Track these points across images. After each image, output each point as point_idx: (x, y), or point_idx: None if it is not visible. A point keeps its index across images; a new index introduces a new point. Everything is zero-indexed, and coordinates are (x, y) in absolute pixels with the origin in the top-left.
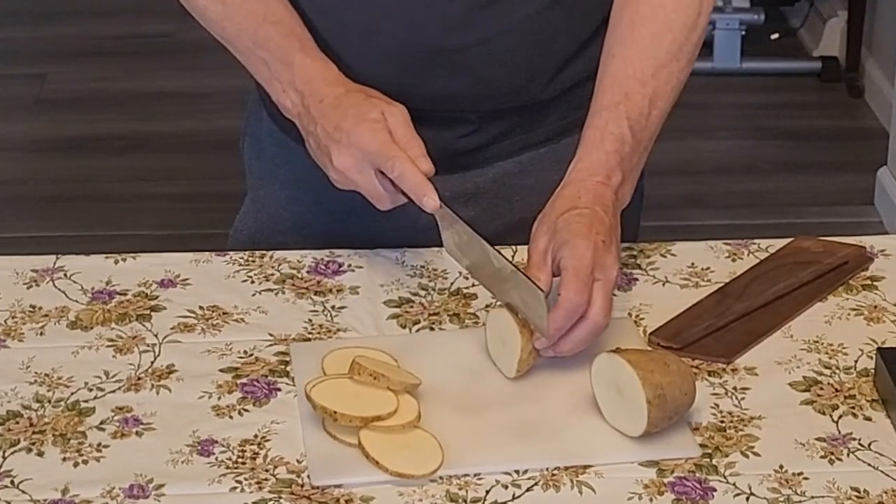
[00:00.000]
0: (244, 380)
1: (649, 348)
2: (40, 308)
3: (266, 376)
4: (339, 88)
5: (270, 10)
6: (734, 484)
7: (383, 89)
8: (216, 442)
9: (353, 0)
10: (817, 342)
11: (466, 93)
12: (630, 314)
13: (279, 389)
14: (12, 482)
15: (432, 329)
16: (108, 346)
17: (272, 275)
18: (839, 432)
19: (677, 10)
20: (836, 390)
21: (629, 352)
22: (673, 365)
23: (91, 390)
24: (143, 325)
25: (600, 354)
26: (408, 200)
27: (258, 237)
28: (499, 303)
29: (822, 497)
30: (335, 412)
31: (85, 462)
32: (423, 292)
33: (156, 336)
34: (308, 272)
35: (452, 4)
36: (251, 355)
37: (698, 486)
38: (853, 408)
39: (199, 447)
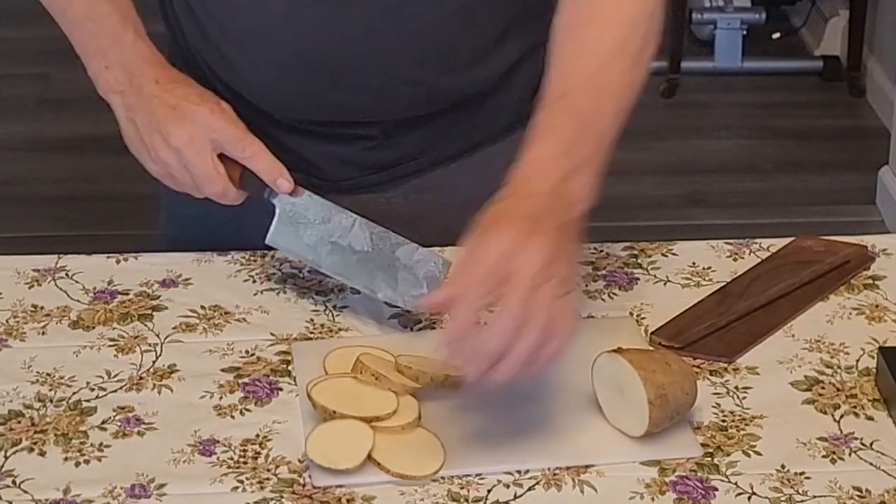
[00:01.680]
0: (246, 379)
1: (650, 348)
2: (42, 308)
3: (268, 376)
4: (173, 73)
5: None
6: (736, 483)
7: (281, 100)
8: (218, 441)
9: (249, 7)
10: (819, 341)
11: (366, 105)
12: (631, 314)
13: (281, 389)
14: (14, 482)
15: (433, 328)
16: (110, 346)
17: (274, 274)
18: (841, 432)
19: (620, 7)
20: (838, 390)
21: (630, 352)
22: (674, 364)
23: (93, 390)
24: (145, 325)
25: (601, 354)
26: (236, 201)
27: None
28: None
29: (824, 496)
30: (335, 412)
31: (86, 462)
32: None
33: (157, 336)
34: (309, 271)
35: (350, 14)
36: (253, 355)
37: (700, 485)
38: (855, 407)
39: (201, 447)
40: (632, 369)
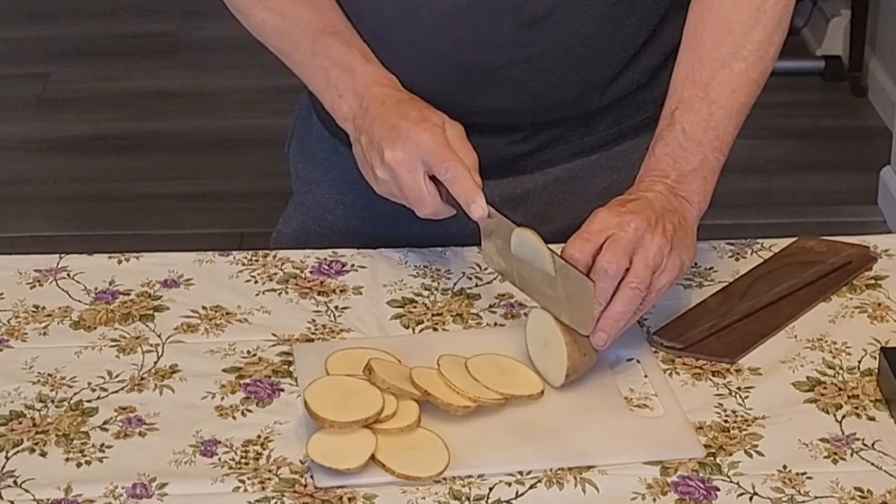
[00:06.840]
0: (247, 380)
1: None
2: (43, 308)
3: (269, 377)
4: (402, 94)
5: (329, 23)
6: (738, 483)
7: (434, 104)
8: (219, 442)
9: (401, 19)
10: (821, 342)
11: (516, 108)
12: None
13: (282, 390)
14: (15, 482)
15: (435, 329)
16: (112, 346)
17: (275, 274)
18: (843, 432)
19: (737, 11)
20: (840, 390)
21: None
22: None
23: (94, 390)
24: (147, 326)
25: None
26: (447, 216)
27: (302, 240)
28: (538, 306)
29: (826, 497)
30: (333, 422)
31: (88, 462)
32: (426, 293)
33: (159, 336)
34: (311, 272)
35: (500, 23)
36: (254, 355)
37: (702, 485)
38: (857, 407)
39: (202, 447)
40: (553, 322)
